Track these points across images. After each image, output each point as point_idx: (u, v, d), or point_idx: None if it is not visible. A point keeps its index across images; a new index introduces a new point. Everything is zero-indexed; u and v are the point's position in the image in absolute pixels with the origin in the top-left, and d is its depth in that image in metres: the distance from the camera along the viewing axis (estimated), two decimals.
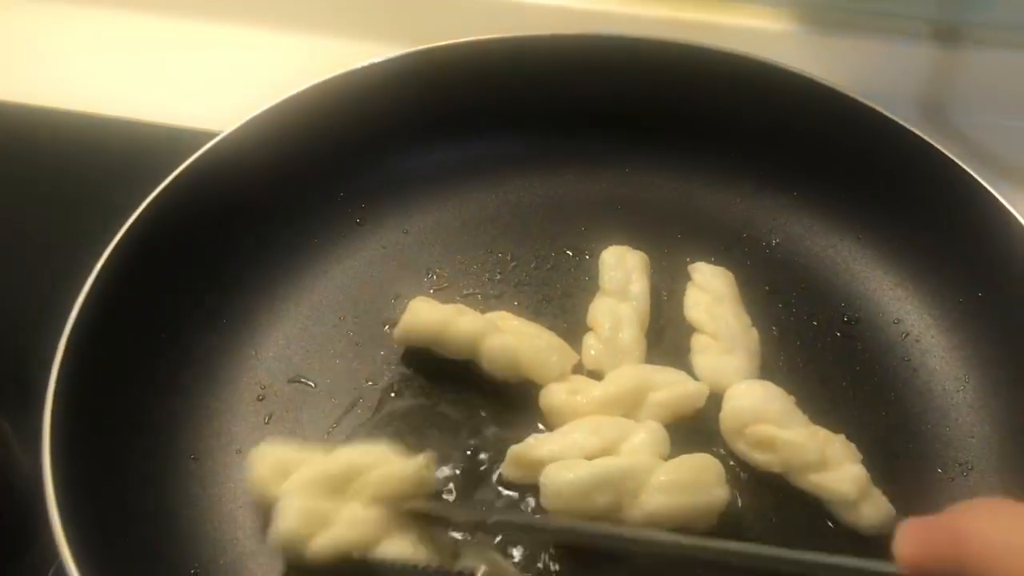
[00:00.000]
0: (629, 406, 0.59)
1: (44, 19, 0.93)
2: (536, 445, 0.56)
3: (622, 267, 0.65)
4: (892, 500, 0.56)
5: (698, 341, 0.63)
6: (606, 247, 0.67)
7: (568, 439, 0.56)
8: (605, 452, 0.56)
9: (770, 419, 0.57)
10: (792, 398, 0.58)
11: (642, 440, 0.56)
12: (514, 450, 0.57)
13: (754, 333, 0.63)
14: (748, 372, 0.61)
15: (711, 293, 0.64)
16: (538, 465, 0.55)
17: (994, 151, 0.82)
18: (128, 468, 0.56)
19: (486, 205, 0.72)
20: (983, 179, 0.63)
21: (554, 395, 0.59)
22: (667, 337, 0.65)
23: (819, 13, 0.85)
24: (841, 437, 0.57)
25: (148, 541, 0.55)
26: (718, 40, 0.73)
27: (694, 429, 0.59)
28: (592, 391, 0.59)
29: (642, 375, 0.60)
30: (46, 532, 0.49)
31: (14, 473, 0.61)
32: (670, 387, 0.59)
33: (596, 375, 0.61)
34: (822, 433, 0.57)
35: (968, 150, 0.82)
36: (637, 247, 0.68)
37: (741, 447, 0.58)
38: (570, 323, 0.66)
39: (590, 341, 0.63)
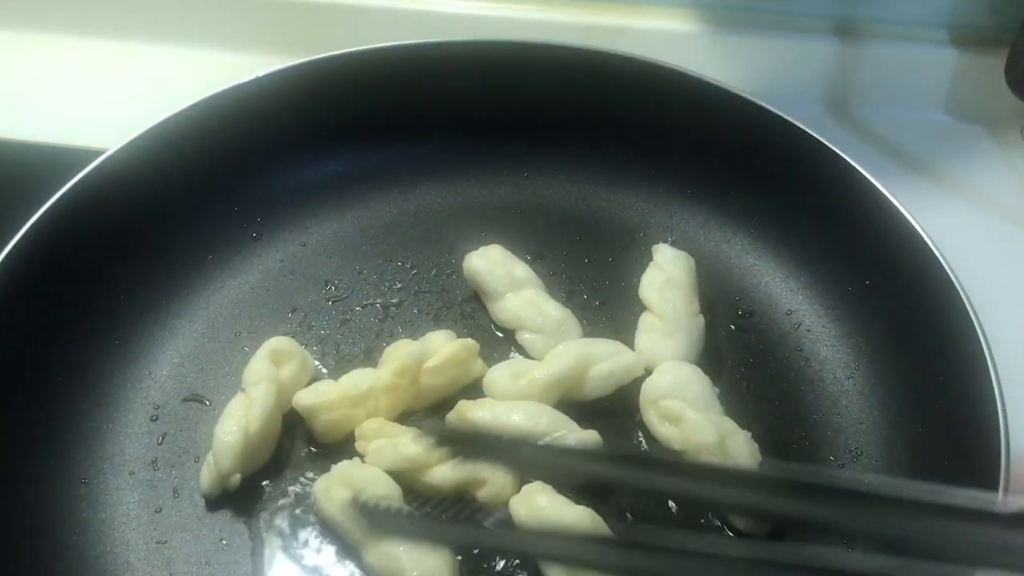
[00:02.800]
0: (572, 383, 0.60)
1: None
2: (477, 406, 0.58)
3: (495, 263, 0.66)
4: None
5: (644, 320, 0.64)
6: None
7: (506, 415, 0.57)
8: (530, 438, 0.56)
9: (685, 399, 0.58)
10: (716, 390, 0.60)
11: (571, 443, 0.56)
12: (462, 404, 0.58)
13: (700, 320, 0.63)
14: (686, 356, 0.62)
15: (667, 275, 0.64)
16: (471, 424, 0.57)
17: (894, 142, 0.84)
18: (14, 494, 0.55)
19: (384, 214, 0.72)
20: (867, 172, 0.64)
21: (497, 381, 0.60)
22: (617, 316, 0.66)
23: (723, 14, 0.86)
24: (748, 434, 0.57)
25: (36, 569, 0.54)
26: (625, 43, 0.73)
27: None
28: (534, 373, 0.60)
29: (581, 351, 0.61)
30: None
31: None
32: (610, 360, 0.61)
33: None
34: (729, 424, 0.58)
35: (870, 142, 0.84)
36: (538, 251, 0.69)
37: (651, 417, 0.60)
38: (471, 328, 0.66)
39: (524, 336, 0.64)
